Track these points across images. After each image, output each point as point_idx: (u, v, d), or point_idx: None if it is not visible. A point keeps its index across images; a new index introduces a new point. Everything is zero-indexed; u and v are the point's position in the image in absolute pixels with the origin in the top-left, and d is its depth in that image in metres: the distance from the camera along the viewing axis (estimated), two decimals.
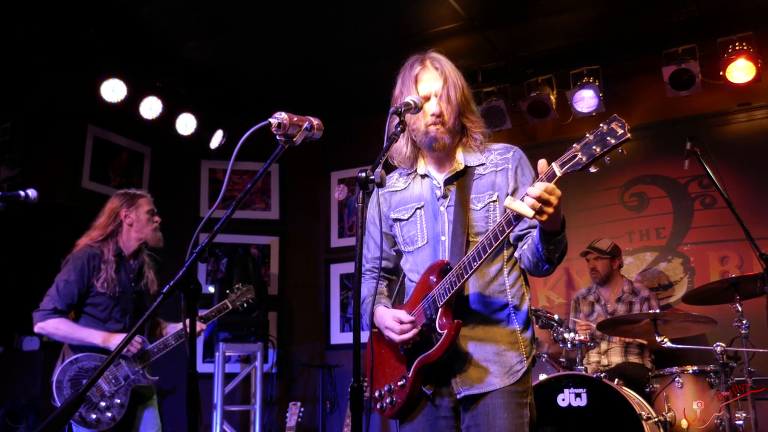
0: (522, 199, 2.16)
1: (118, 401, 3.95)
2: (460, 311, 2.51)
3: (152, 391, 4.21)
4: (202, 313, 4.36)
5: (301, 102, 6.94)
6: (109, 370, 3.97)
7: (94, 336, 3.97)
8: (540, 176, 2.19)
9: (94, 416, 3.89)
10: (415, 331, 2.52)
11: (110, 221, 4.21)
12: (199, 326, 4.26)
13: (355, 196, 7.19)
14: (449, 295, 2.44)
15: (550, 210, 2.15)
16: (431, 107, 2.58)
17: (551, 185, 2.14)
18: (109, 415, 3.92)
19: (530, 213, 2.13)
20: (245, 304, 4.57)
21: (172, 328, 4.27)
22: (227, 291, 4.57)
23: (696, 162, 4.77)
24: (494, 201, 2.58)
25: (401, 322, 2.54)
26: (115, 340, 3.96)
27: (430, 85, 2.61)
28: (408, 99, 2.46)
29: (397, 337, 2.54)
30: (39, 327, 4.00)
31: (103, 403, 3.92)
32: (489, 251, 2.33)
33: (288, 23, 5.67)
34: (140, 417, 4.11)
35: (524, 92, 6.28)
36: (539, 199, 2.12)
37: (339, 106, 7.04)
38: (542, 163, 2.21)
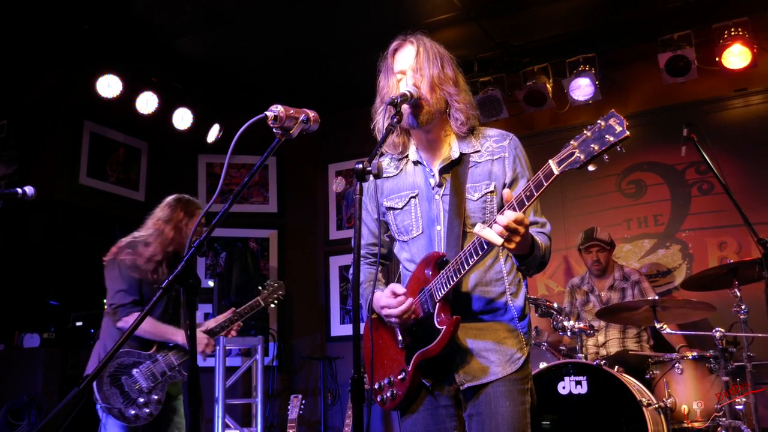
0: (491, 226, 2.18)
1: (156, 397, 4.00)
2: (458, 300, 2.49)
3: (178, 389, 4.20)
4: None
5: (298, 94, 6.92)
6: (147, 366, 4.03)
7: (177, 334, 4.04)
8: (536, 174, 2.16)
9: (132, 412, 3.95)
10: (411, 300, 2.47)
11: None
12: (237, 325, 4.29)
13: (352, 188, 7.19)
14: (446, 290, 2.40)
15: (518, 239, 2.18)
16: (408, 82, 2.54)
17: (520, 215, 2.16)
18: (147, 410, 3.97)
19: (499, 241, 2.16)
20: (276, 301, 4.58)
21: (210, 323, 4.30)
22: (259, 287, 4.55)
23: (693, 148, 4.78)
24: (491, 192, 2.53)
25: (396, 295, 2.48)
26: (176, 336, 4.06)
27: (405, 61, 2.57)
28: (405, 90, 2.45)
29: (395, 311, 2.47)
30: (124, 321, 4.00)
31: (141, 399, 3.98)
32: (486, 248, 2.29)
33: (283, 16, 5.65)
34: (172, 416, 4.15)
35: (520, 81, 6.27)
36: (507, 228, 2.15)
37: (336, 99, 7.03)
38: (507, 193, 2.22)
